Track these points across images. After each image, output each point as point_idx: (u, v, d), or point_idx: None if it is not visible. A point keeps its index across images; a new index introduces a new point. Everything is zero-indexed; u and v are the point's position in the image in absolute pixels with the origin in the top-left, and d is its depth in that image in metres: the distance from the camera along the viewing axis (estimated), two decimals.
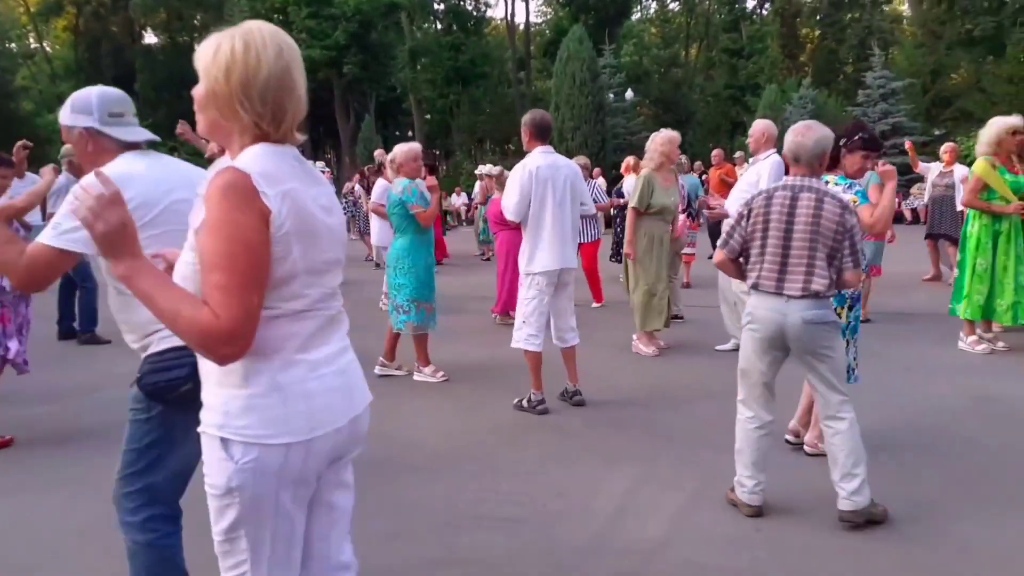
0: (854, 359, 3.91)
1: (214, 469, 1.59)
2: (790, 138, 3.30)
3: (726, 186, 13.09)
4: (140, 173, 2.20)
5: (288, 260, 1.57)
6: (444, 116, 39.63)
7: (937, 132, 26.14)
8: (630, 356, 6.51)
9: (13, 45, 38.12)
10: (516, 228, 7.86)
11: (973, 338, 6.34)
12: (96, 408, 5.19)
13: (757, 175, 5.75)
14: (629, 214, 6.59)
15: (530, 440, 4.48)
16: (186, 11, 46.69)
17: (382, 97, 37.63)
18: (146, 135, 2.34)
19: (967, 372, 5.74)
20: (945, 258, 9.81)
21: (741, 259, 3.43)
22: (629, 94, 27.53)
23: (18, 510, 3.65)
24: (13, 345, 4.59)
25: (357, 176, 16.47)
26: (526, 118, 5.06)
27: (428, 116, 40.10)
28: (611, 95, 25.31)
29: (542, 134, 5.01)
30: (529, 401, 5.03)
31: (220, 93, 1.59)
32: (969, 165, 7.32)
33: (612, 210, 10.31)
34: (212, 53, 1.61)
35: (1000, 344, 6.30)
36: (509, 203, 4.97)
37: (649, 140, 6.72)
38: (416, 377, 5.86)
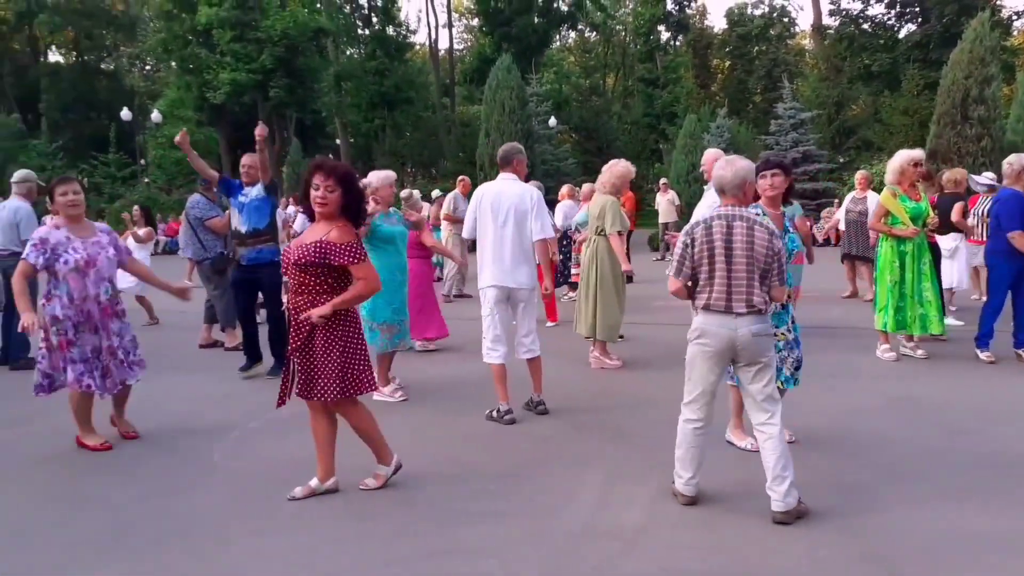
0: (796, 368, 4.44)
1: None
2: (715, 172, 3.78)
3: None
4: None
5: None
6: (369, 140, 39.78)
7: (842, 159, 27.95)
8: (585, 369, 6.91)
9: None
10: (423, 256, 7.97)
11: (885, 347, 7.01)
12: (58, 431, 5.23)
13: (714, 200, 6.30)
14: (616, 238, 6.76)
15: (505, 446, 4.81)
16: (95, 30, 45.33)
17: (307, 121, 37.44)
18: None
19: (882, 377, 6.38)
20: (860, 276, 10.64)
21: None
22: (552, 121, 28.36)
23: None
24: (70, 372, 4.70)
25: (291, 200, 16.51)
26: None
27: (352, 140, 40.14)
28: (535, 122, 26.03)
29: (500, 163, 5.58)
30: (498, 412, 5.35)
31: None
32: (877, 192, 8.14)
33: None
34: None
35: (919, 352, 6.97)
36: (465, 222, 5.59)
37: (607, 167, 6.99)
38: (376, 398, 5.94)
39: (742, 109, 38.81)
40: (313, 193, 3.69)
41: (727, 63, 45.98)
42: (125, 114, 29.33)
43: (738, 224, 3.61)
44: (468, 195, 11.73)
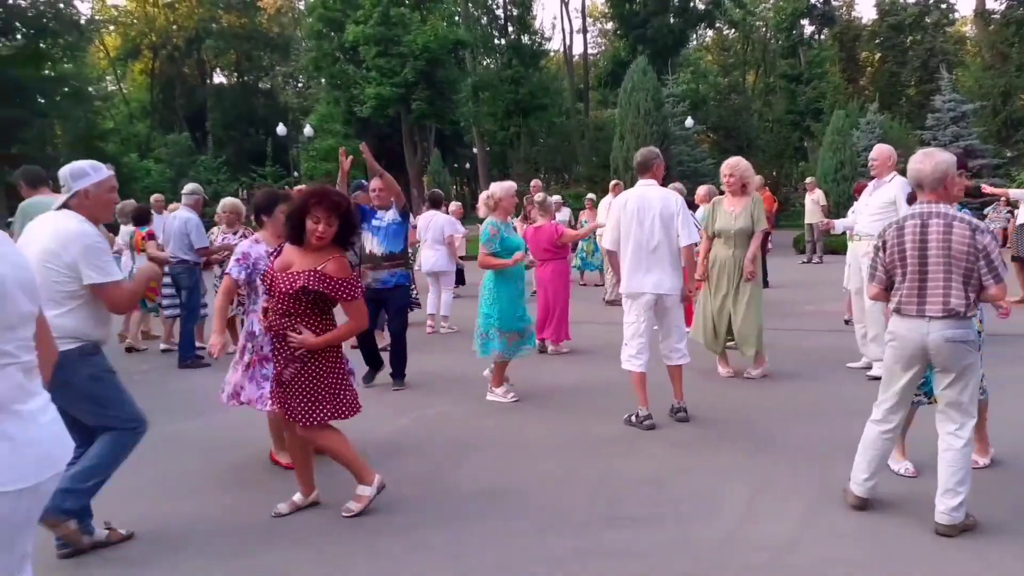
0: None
1: None
2: (910, 167, 3.54)
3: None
4: None
5: None
6: (504, 147, 40.49)
7: (1009, 154, 25.76)
8: (718, 376, 6.77)
9: (92, 88, 40.28)
10: (561, 257, 7.94)
11: None
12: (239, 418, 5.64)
13: (892, 197, 6.08)
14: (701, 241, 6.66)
15: (646, 452, 4.79)
16: (254, 52, 48.76)
17: (446, 131, 38.58)
18: None
19: None
20: None
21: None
22: (689, 122, 27.79)
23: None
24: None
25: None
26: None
27: (488, 148, 40.99)
28: (671, 123, 25.59)
29: (639, 169, 5.55)
30: (637, 416, 5.33)
31: None
32: None
33: None
34: None
35: None
36: (605, 232, 5.58)
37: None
38: (488, 397, 6.16)
39: (894, 103, 36.56)
40: (312, 226, 3.61)
41: (877, 55, 43.47)
42: (280, 129, 31.27)
43: (934, 222, 3.39)
44: None
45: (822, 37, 41.94)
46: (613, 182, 12.10)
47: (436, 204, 10.19)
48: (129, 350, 8.92)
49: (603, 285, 12.26)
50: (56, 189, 5.68)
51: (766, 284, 12.31)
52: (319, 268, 3.59)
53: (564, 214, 14.01)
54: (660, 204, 5.33)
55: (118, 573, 3.40)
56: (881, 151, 6.29)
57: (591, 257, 13.39)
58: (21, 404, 1.81)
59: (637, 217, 5.31)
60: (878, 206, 6.19)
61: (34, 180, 5.91)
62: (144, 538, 3.69)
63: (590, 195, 14.87)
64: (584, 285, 13.58)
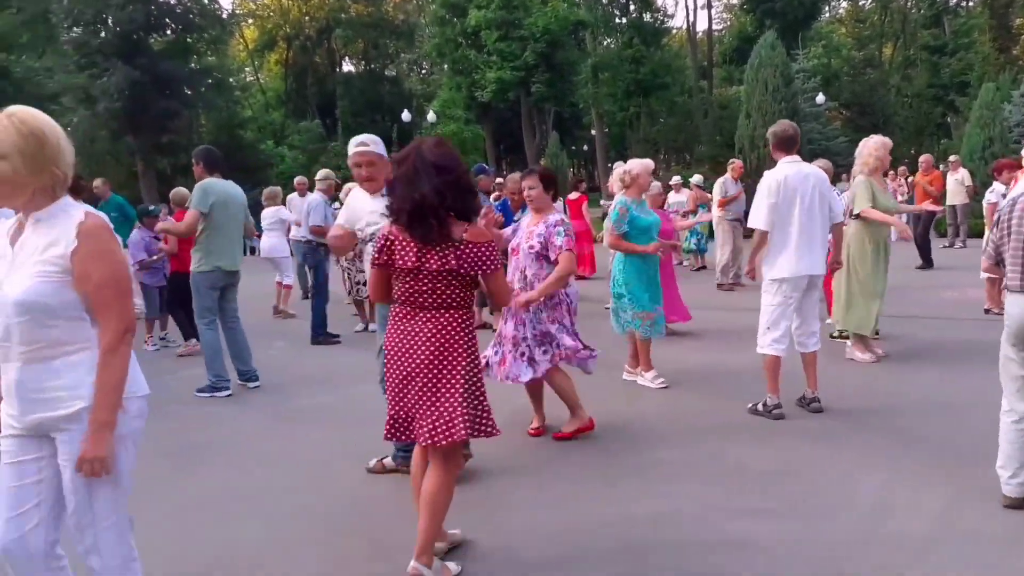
0: None
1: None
2: None
3: (927, 195, 13.10)
4: None
5: None
6: (623, 128, 39.99)
7: None
8: (860, 366, 6.47)
9: (232, 79, 42.50)
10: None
11: None
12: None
13: None
14: (873, 213, 6.34)
15: (773, 443, 4.66)
16: (381, 40, 50.19)
17: (565, 113, 38.47)
18: None
19: None
20: None
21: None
22: (821, 98, 26.49)
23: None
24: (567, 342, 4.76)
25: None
26: (770, 131, 5.38)
27: (607, 129, 40.58)
28: (801, 100, 24.45)
29: (785, 145, 5.23)
30: (765, 405, 5.17)
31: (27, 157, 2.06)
32: None
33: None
34: (15, 132, 2.03)
35: None
36: (758, 212, 5.18)
37: (860, 145, 6.68)
38: (639, 381, 6.10)
39: None
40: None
41: None
42: (405, 115, 32.12)
43: None
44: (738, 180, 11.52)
45: (970, 4, 38.96)
46: (733, 162, 11.86)
47: None
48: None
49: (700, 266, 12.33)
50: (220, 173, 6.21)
51: (931, 264, 12.57)
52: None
53: (683, 195, 13.80)
54: (820, 182, 5.15)
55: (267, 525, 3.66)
56: None
57: (704, 241, 13.57)
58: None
59: (799, 197, 5.07)
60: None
61: (214, 162, 6.35)
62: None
63: (696, 177, 14.60)
64: (703, 268, 13.44)
